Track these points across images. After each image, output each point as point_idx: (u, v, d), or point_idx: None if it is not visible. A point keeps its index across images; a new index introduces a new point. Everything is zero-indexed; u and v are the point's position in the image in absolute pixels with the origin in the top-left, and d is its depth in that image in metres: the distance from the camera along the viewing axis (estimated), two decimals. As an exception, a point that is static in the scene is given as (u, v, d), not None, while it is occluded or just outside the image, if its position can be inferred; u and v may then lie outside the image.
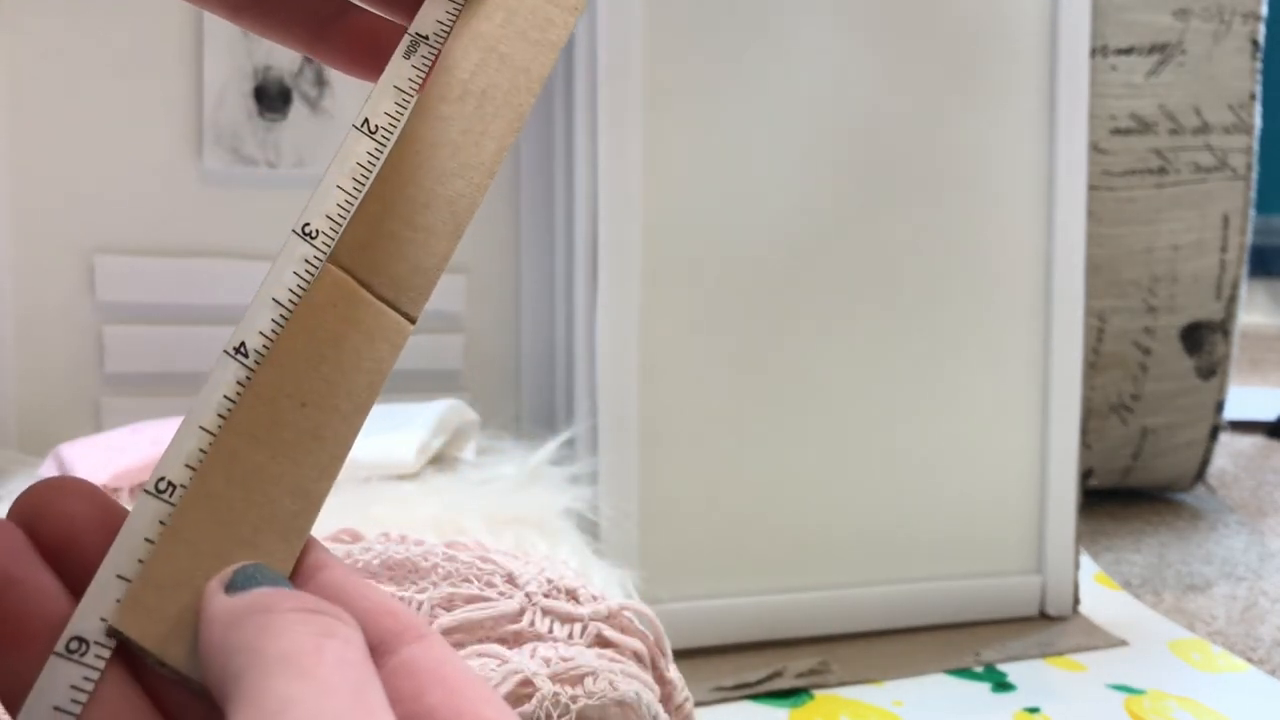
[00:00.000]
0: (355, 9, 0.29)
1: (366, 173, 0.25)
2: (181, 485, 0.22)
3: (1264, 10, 1.07)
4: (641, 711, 0.38)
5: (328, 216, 0.24)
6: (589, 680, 0.38)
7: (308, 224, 0.24)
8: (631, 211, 0.76)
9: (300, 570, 0.22)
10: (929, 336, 0.83)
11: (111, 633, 0.20)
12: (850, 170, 0.81)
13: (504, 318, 0.96)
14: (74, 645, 0.20)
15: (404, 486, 0.65)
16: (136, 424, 0.70)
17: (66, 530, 0.21)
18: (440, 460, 0.74)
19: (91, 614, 0.20)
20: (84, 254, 0.85)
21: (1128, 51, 1.04)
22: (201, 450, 0.22)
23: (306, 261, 0.24)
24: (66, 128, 0.84)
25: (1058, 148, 0.85)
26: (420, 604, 0.42)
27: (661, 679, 0.41)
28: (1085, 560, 0.98)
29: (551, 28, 0.27)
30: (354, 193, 0.25)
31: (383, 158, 0.25)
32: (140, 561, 0.21)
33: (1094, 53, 1.02)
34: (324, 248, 0.24)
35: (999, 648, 0.81)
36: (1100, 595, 0.92)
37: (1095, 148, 1.03)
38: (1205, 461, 1.17)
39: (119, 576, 0.21)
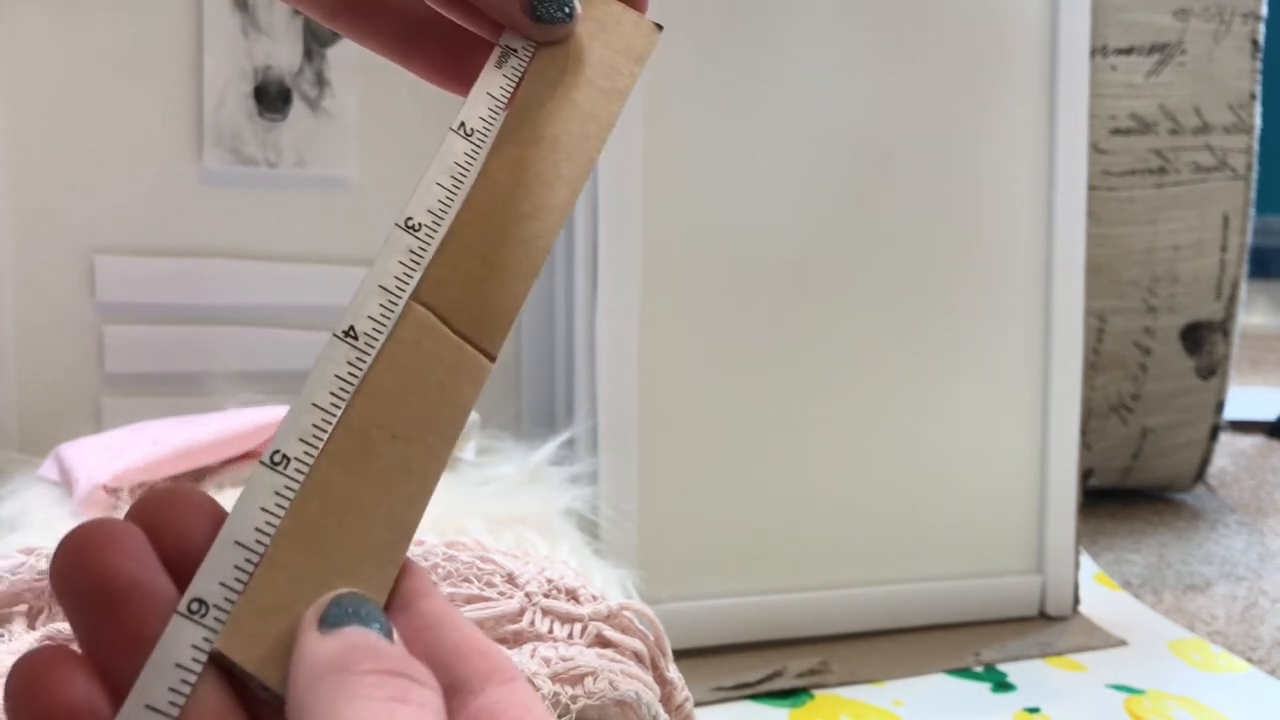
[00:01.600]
0: (447, 23, 0.30)
1: (465, 171, 0.26)
2: (296, 459, 0.22)
3: (1264, 10, 1.07)
4: (641, 711, 0.38)
5: (429, 210, 0.25)
6: (589, 680, 0.38)
7: (410, 217, 0.25)
8: (631, 212, 0.76)
9: (398, 597, 0.23)
10: (929, 337, 0.83)
11: (214, 656, 0.21)
12: (850, 170, 0.81)
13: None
14: (195, 606, 0.21)
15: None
16: (136, 424, 0.70)
17: (184, 542, 0.22)
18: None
19: (211, 578, 0.21)
20: (84, 254, 0.85)
21: (1128, 51, 1.04)
22: (316, 427, 0.23)
23: (412, 252, 0.25)
24: (66, 128, 0.84)
25: (1058, 148, 0.85)
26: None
27: (662, 679, 0.41)
28: (1085, 560, 0.98)
29: (618, 76, 0.29)
30: (453, 189, 0.26)
31: (479, 158, 0.26)
32: (256, 530, 0.22)
33: (1094, 53, 1.02)
34: (427, 239, 0.25)
35: (999, 648, 0.81)
36: (1100, 595, 0.92)
37: (1095, 148, 1.03)
38: (1205, 461, 1.17)
39: (236, 543, 0.21)
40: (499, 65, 0.27)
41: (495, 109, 0.27)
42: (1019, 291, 0.85)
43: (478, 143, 0.26)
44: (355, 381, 0.23)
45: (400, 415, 0.24)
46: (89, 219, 0.85)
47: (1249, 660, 0.81)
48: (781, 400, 0.81)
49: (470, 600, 0.42)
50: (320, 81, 0.89)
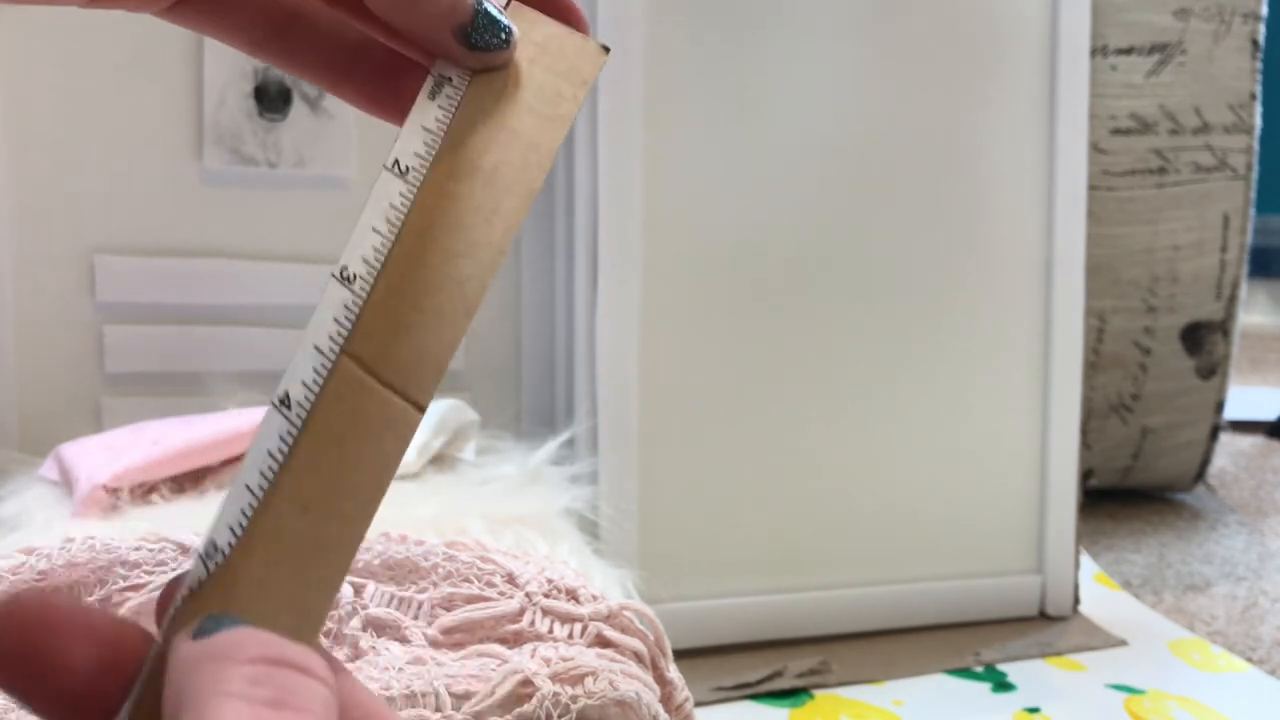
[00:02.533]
0: (380, 48, 0.29)
1: (400, 214, 0.24)
2: (222, 549, 0.21)
3: (1264, 10, 1.07)
4: (642, 711, 0.38)
5: (364, 260, 0.24)
6: (589, 680, 0.38)
7: (345, 267, 0.24)
8: (631, 211, 0.76)
9: None
10: (929, 336, 0.83)
11: None
12: (850, 170, 0.81)
13: (504, 318, 0.96)
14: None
15: (404, 487, 0.66)
16: (136, 424, 0.70)
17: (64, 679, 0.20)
18: (440, 460, 0.74)
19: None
20: (84, 254, 0.85)
21: (1128, 51, 1.04)
22: (243, 512, 0.21)
23: (345, 307, 0.23)
24: (66, 128, 0.84)
25: (1058, 148, 0.85)
26: (420, 604, 0.42)
27: (662, 679, 0.41)
28: (1085, 560, 0.98)
29: (561, 102, 0.27)
30: (388, 234, 0.24)
31: (413, 199, 0.25)
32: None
33: (1094, 53, 1.02)
34: (362, 292, 0.23)
35: (999, 648, 0.81)
36: (1100, 595, 0.92)
37: (1095, 148, 1.03)
38: (1205, 461, 1.17)
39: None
40: (432, 96, 0.26)
41: (430, 144, 0.25)
42: (1019, 291, 0.85)
43: (413, 181, 0.25)
44: (283, 457, 0.22)
45: (313, 486, 0.22)
46: (89, 219, 0.85)
47: (1249, 660, 0.81)
48: (781, 400, 0.81)
49: (470, 600, 0.42)
50: (320, 81, 0.88)
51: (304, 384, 0.23)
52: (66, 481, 0.63)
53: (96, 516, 0.57)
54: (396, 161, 0.25)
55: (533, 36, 0.27)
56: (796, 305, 0.81)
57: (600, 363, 0.76)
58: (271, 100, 0.87)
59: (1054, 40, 0.84)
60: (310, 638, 0.21)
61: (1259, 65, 1.07)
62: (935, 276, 0.83)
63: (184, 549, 0.43)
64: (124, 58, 0.85)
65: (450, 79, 0.26)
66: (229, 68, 0.86)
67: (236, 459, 0.64)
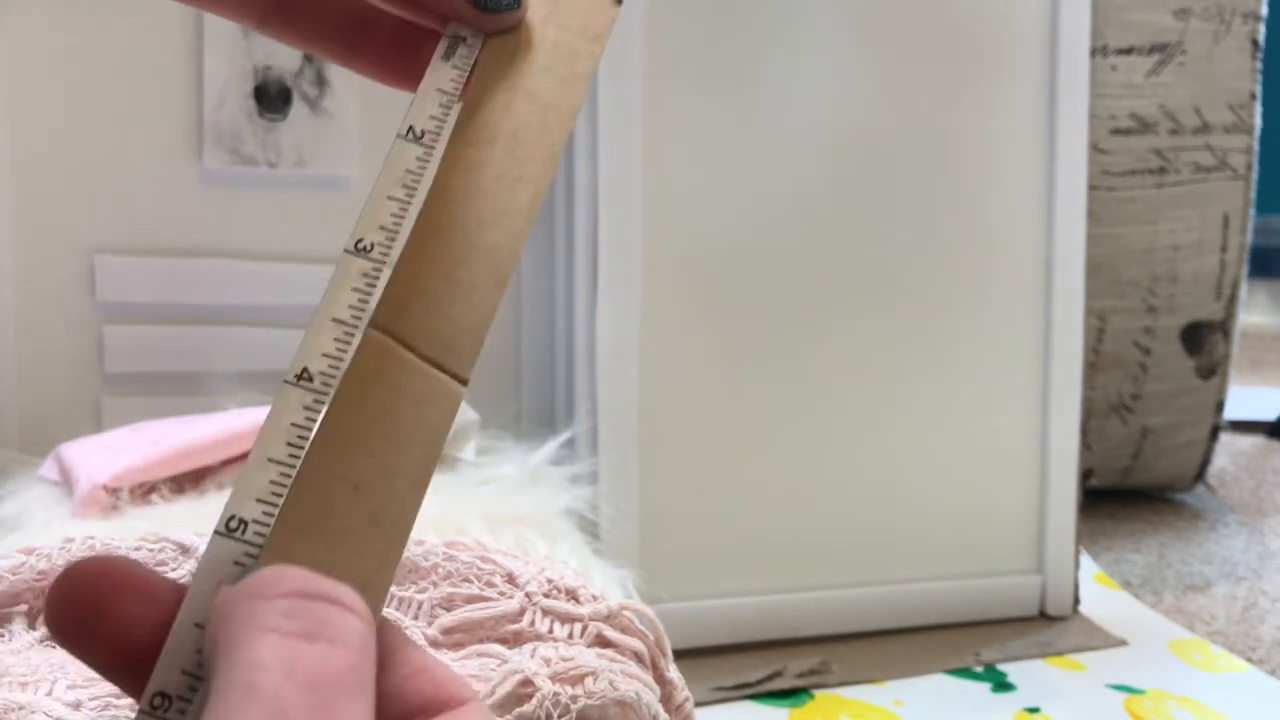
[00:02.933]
0: (387, 16, 0.28)
1: (416, 179, 0.24)
2: (254, 521, 0.21)
3: (1264, 10, 1.07)
4: (642, 711, 0.38)
5: (382, 228, 0.23)
6: (589, 680, 0.38)
7: (361, 239, 0.23)
8: (631, 211, 0.76)
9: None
10: (929, 336, 0.83)
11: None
12: (850, 170, 0.81)
13: (504, 318, 0.96)
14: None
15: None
16: (136, 424, 0.70)
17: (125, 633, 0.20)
18: (440, 460, 0.74)
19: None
20: (84, 254, 0.85)
21: (1128, 51, 1.04)
22: (273, 483, 0.21)
23: (365, 275, 0.23)
24: (66, 128, 0.84)
25: (1058, 148, 0.85)
26: (420, 604, 0.42)
27: (662, 679, 0.41)
28: (1085, 560, 0.98)
29: (577, 60, 0.26)
30: (405, 199, 0.24)
31: (431, 163, 0.24)
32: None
33: (1094, 53, 1.02)
34: (380, 258, 0.23)
35: (999, 648, 0.81)
36: (1100, 595, 0.92)
37: (1095, 148, 1.03)
38: (1205, 461, 1.17)
39: (195, 624, 0.20)
40: (446, 57, 0.25)
41: (446, 105, 0.25)
42: (1019, 291, 0.85)
43: (429, 144, 0.24)
44: (313, 429, 0.21)
45: (363, 462, 0.21)
46: (89, 219, 0.85)
47: (1249, 660, 0.81)
48: (781, 400, 0.81)
49: (470, 600, 0.42)
50: (320, 81, 0.89)
51: (326, 356, 0.22)
52: (66, 481, 0.63)
53: (96, 516, 0.57)
54: (411, 128, 0.24)
55: None
56: (796, 305, 0.81)
57: (600, 363, 0.76)
58: (271, 100, 0.87)
59: (1054, 40, 0.84)
60: (377, 612, 0.21)
61: (1259, 65, 1.07)
62: (935, 276, 0.83)
63: (184, 549, 0.43)
64: (124, 57, 0.85)
65: (464, 39, 0.26)
66: (229, 68, 0.86)
67: (237, 459, 0.64)
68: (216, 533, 0.21)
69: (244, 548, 0.21)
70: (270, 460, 0.21)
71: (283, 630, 0.18)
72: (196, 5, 0.28)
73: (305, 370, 0.22)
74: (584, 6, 0.27)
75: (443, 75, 0.25)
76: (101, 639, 0.20)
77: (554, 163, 0.25)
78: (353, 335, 0.22)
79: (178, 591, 0.21)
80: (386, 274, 0.23)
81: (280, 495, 0.21)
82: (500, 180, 0.24)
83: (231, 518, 0.21)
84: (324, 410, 0.22)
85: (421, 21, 0.28)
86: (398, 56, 0.28)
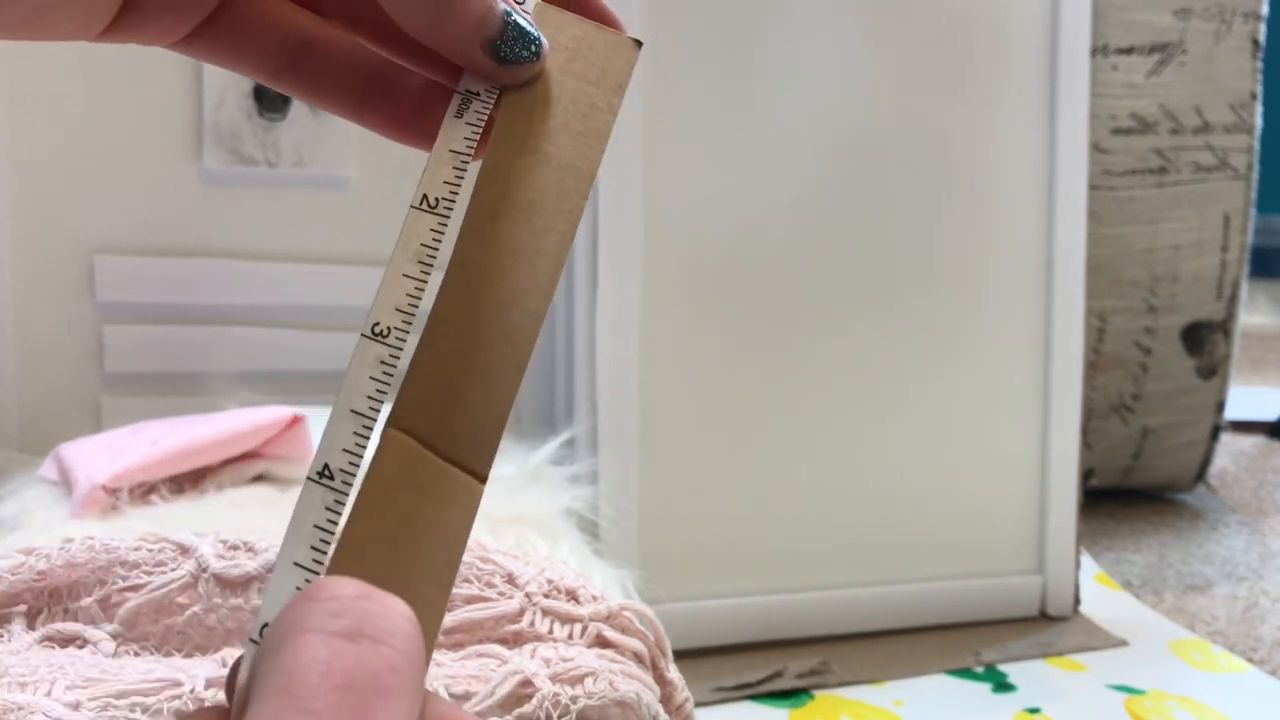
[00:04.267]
0: (400, 71, 0.28)
1: (432, 254, 0.23)
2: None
3: (1265, 10, 1.07)
4: (642, 712, 0.38)
5: (398, 309, 0.22)
6: (589, 681, 0.38)
7: (377, 323, 0.22)
8: (631, 211, 0.76)
9: None
10: (929, 336, 0.83)
11: None
12: (850, 170, 0.81)
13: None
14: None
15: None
16: (136, 424, 0.70)
17: None
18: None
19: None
20: (84, 254, 0.85)
21: (1128, 51, 1.04)
22: (298, 590, 0.20)
23: (382, 363, 0.22)
24: (66, 128, 0.84)
25: (1058, 148, 0.84)
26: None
27: (662, 679, 0.41)
28: (1086, 560, 0.98)
29: (596, 114, 0.25)
30: (421, 277, 0.22)
31: (445, 231, 0.23)
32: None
33: (1094, 52, 1.02)
34: (397, 345, 0.22)
35: (999, 648, 0.81)
36: (1101, 595, 0.92)
37: (1096, 147, 1.03)
38: (1206, 461, 1.17)
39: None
40: (459, 114, 0.24)
41: (460, 167, 0.24)
42: (1019, 291, 0.85)
43: (443, 213, 0.23)
44: (335, 530, 0.21)
45: (385, 568, 0.20)
46: (89, 219, 0.85)
47: (1250, 660, 0.81)
48: (781, 400, 0.81)
49: (470, 600, 0.42)
50: (320, 81, 0.88)
51: (346, 451, 0.21)
52: (66, 481, 0.63)
53: (96, 516, 0.57)
54: (425, 196, 0.23)
55: (561, 40, 0.26)
56: (796, 305, 0.81)
57: (600, 363, 0.76)
58: (271, 100, 0.87)
59: (1054, 40, 0.84)
60: None
61: (1259, 65, 1.07)
62: (936, 276, 0.83)
63: (184, 549, 0.43)
64: (124, 58, 0.85)
65: (478, 94, 0.25)
66: (229, 67, 0.86)
67: (236, 459, 0.64)
68: (251, 640, 0.20)
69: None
70: (296, 564, 0.20)
71: (327, 630, 0.17)
72: (211, 61, 0.28)
73: (326, 467, 0.21)
74: (603, 53, 0.26)
75: (456, 134, 0.24)
76: None
77: (572, 231, 0.24)
78: (371, 428, 0.22)
79: None
80: (405, 359, 0.22)
81: None
82: (517, 255, 0.23)
83: (264, 624, 0.20)
84: (344, 511, 0.21)
85: (437, 77, 0.27)
86: (411, 113, 0.28)
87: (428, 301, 0.23)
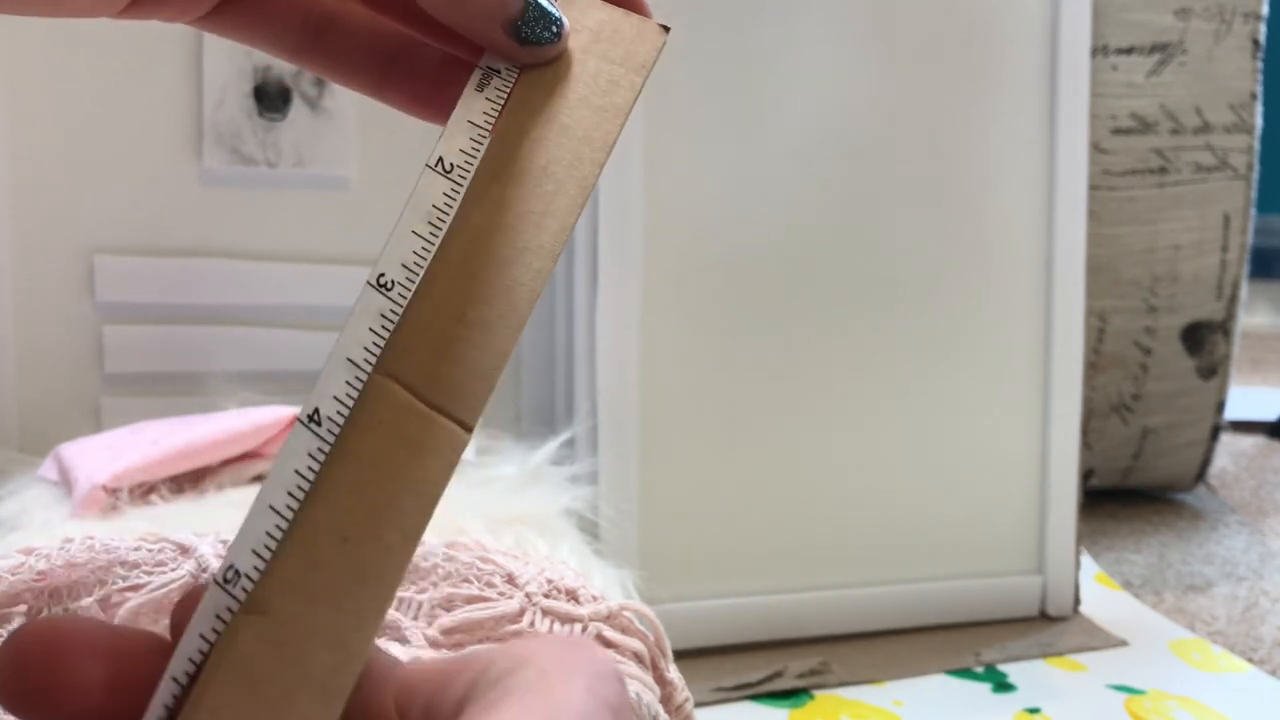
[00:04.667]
0: (421, 47, 0.28)
1: (444, 215, 0.23)
2: (245, 575, 0.20)
3: (1265, 10, 1.07)
4: (642, 712, 0.38)
5: (404, 265, 0.22)
6: (589, 681, 0.37)
7: (382, 274, 0.22)
8: (631, 211, 0.76)
9: (367, 684, 0.20)
10: (929, 336, 0.83)
11: None
12: (850, 170, 0.81)
13: (504, 318, 0.96)
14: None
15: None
16: (136, 424, 0.70)
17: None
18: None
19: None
20: (84, 254, 0.85)
21: (1128, 51, 1.04)
22: (268, 534, 0.20)
23: (382, 316, 0.22)
24: (66, 128, 0.84)
25: (1058, 148, 0.84)
26: (420, 604, 0.42)
27: (662, 679, 0.41)
28: (1086, 560, 0.98)
29: (616, 90, 0.25)
30: (430, 238, 0.22)
31: (459, 198, 0.23)
32: (189, 660, 0.19)
33: (1094, 52, 1.02)
34: (400, 300, 0.22)
35: (999, 648, 0.81)
36: (1101, 595, 0.92)
37: (1096, 147, 1.03)
38: (1206, 462, 1.17)
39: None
40: (479, 88, 0.24)
41: (478, 139, 0.24)
42: (1020, 291, 0.85)
43: (458, 180, 0.23)
44: (314, 479, 0.20)
45: (355, 514, 0.20)
46: (89, 219, 0.85)
47: (1250, 660, 0.81)
48: (781, 400, 0.81)
49: (470, 600, 0.42)
50: (320, 81, 0.89)
51: (336, 399, 0.21)
52: (66, 481, 0.63)
53: (95, 516, 0.57)
54: (440, 159, 0.23)
55: (585, 22, 0.26)
56: (796, 305, 0.81)
57: (600, 363, 0.76)
58: (271, 100, 0.87)
59: (1055, 40, 0.84)
60: (348, 679, 0.19)
61: (1260, 65, 1.07)
62: (936, 276, 0.83)
63: (184, 549, 0.43)
64: (124, 58, 0.85)
65: (499, 71, 0.25)
66: (229, 67, 0.86)
67: (236, 459, 0.64)
68: (215, 582, 0.20)
69: (228, 601, 0.20)
70: (270, 508, 0.20)
71: (595, 692, 0.18)
72: (232, 38, 0.28)
73: (316, 411, 0.21)
74: (628, 36, 0.26)
75: (475, 107, 0.24)
76: (55, 709, 0.19)
77: (583, 198, 0.24)
78: (364, 379, 0.21)
79: (135, 643, 0.20)
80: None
81: (273, 546, 0.20)
82: (525, 217, 0.23)
83: (229, 568, 0.20)
84: (325, 458, 0.21)
85: (457, 53, 0.27)
86: (432, 89, 0.28)
87: None
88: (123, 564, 0.42)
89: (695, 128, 0.78)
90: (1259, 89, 1.08)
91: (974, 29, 0.83)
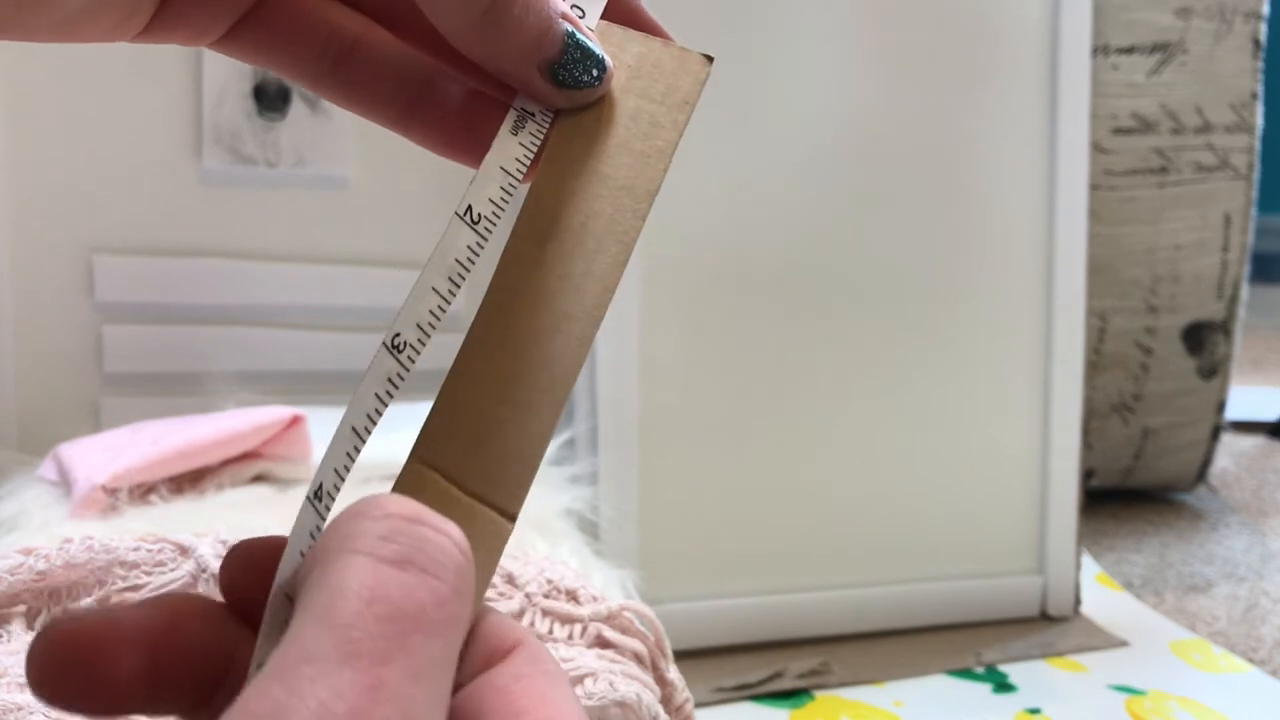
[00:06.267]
0: (451, 80, 0.26)
1: (464, 271, 0.21)
2: None
3: (1265, 9, 1.07)
4: (641, 712, 0.38)
5: (418, 325, 0.21)
6: (589, 681, 0.37)
7: (398, 334, 0.21)
8: (632, 211, 0.76)
9: None
10: (929, 336, 0.83)
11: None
12: (850, 171, 0.81)
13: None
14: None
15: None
16: (136, 424, 0.70)
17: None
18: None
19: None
20: (83, 254, 0.85)
21: (1129, 51, 1.04)
22: None
23: (389, 380, 0.20)
24: (66, 128, 0.84)
25: (1058, 147, 0.84)
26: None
27: (662, 680, 0.41)
28: (1086, 561, 0.98)
29: (659, 132, 0.23)
30: (448, 295, 0.21)
31: (482, 251, 0.21)
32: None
33: (1095, 52, 1.02)
34: (409, 361, 0.21)
35: (1000, 648, 0.81)
36: (1101, 596, 0.92)
37: (1096, 147, 1.03)
38: (1207, 462, 1.17)
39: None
40: (514, 131, 0.23)
41: (508, 188, 0.22)
42: (1020, 291, 0.85)
43: (484, 232, 0.21)
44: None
45: None
46: (88, 219, 0.85)
47: (1250, 661, 0.81)
48: (781, 400, 0.81)
49: (470, 601, 0.41)
50: (320, 81, 0.88)
51: (336, 471, 0.20)
52: (65, 482, 0.62)
53: (95, 517, 0.57)
54: (470, 208, 0.22)
55: (624, 58, 0.24)
56: (796, 306, 0.81)
57: (600, 363, 0.76)
58: (271, 100, 0.87)
59: (1055, 40, 0.84)
60: None
61: (1260, 64, 1.07)
62: (936, 277, 0.83)
63: (183, 550, 0.43)
64: (124, 58, 0.85)
65: (533, 113, 0.23)
66: (228, 68, 0.86)
67: (236, 459, 0.64)
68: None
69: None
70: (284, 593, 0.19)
71: (376, 554, 0.17)
72: (249, 62, 0.27)
73: (320, 486, 0.20)
74: (669, 70, 0.24)
75: (508, 152, 0.22)
76: (99, 703, 0.19)
77: (626, 255, 0.22)
78: (360, 448, 0.20)
79: (171, 616, 0.19)
80: (412, 377, 0.21)
81: None
82: (564, 280, 0.22)
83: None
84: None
85: (489, 91, 0.25)
86: (461, 127, 0.25)
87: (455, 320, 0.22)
88: (122, 564, 0.42)
89: (695, 127, 0.78)
90: (1260, 89, 1.07)
91: (974, 29, 0.83)
